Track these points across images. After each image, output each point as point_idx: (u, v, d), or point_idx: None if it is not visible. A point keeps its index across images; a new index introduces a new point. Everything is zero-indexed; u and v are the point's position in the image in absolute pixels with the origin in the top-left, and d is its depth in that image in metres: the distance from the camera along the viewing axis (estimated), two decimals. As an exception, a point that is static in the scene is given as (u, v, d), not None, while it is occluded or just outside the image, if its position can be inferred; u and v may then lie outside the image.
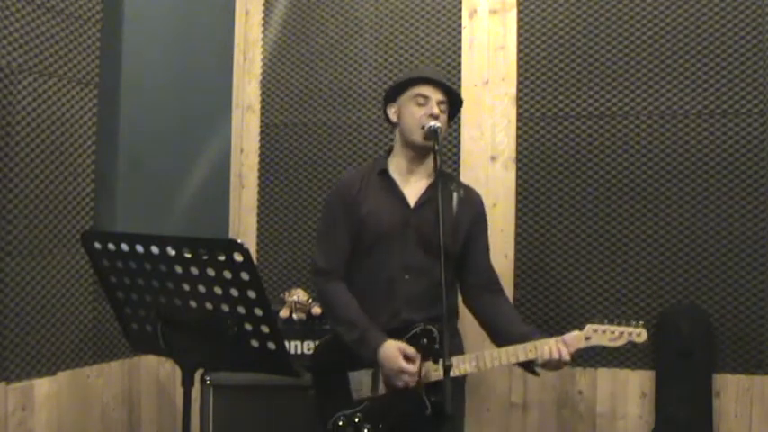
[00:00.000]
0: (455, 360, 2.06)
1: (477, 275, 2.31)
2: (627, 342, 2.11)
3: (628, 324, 2.12)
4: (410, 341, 2.11)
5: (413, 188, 2.25)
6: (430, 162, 2.26)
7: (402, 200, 2.24)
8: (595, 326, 2.12)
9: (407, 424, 2.08)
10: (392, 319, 2.17)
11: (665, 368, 2.89)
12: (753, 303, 2.86)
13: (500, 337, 2.21)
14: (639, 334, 2.10)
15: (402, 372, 2.05)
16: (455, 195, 2.23)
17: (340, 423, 2.13)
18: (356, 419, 2.12)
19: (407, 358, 2.06)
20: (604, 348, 2.94)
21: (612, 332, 2.11)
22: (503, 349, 2.11)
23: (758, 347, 2.85)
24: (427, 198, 2.22)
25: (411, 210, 2.22)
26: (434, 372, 2.07)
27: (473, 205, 2.32)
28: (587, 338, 2.12)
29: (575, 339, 2.11)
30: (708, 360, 2.85)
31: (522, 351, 2.09)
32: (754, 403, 2.84)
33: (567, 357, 2.07)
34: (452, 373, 1.95)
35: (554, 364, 2.09)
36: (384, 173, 2.28)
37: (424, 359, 2.08)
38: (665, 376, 2.88)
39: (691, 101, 2.97)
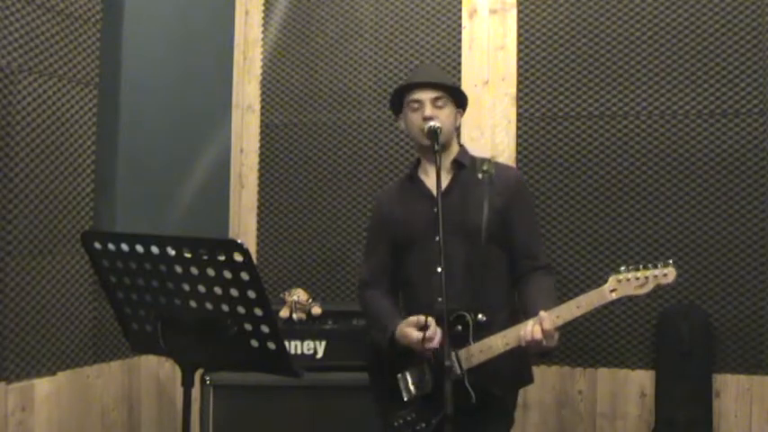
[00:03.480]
0: (468, 350, 2.06)
1: (518, 255, 2.27)
2: (655, 286, 1.96)
3: (655, 267, 1.96)
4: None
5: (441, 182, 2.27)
6: (450, 155, 2.29)
7: (428, 194, 2.28)
8: (619, 275, 1.97)
9: (457, 415, 2.08)
10: (430, 312, 2.15)
11: (665, 368, 2.89)
12: (753, 303, 2.86)
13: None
14: (666, 274, 1.95)
15: (419, 341, 2.02)
16: (482, 177, 2.20)
17: (396, 425, 2.17)
18: (410, 419, 2.15)
19: (421, 328, 2.03)
20: (605, 348, 2.99)
21: (638, 278, 1.96)
22: (497, 336, 2.07)
23: (758, 347, 2.85)
24: (451, 187, 2.26)
25: (437, 201, 2.24)
26: (473, 357, 2.06)
27: (506, 183, 2.26)
28: (612, 291, 1.97)
29: (569, 308, 1.99)
30: (708, 360, 2.85)
31: (502, 339, 2.05)
32: (754, 403, 2.85)
33: (537, 336, 1.96)
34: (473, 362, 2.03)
35: (535, 346, 2.01)
36: (412, 176, 2.35)
37: (460, 346, 2.06)
38: (665, 376, 2.88)
39: (691, 101, 2.97)
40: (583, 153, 3.08)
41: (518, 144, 3.16)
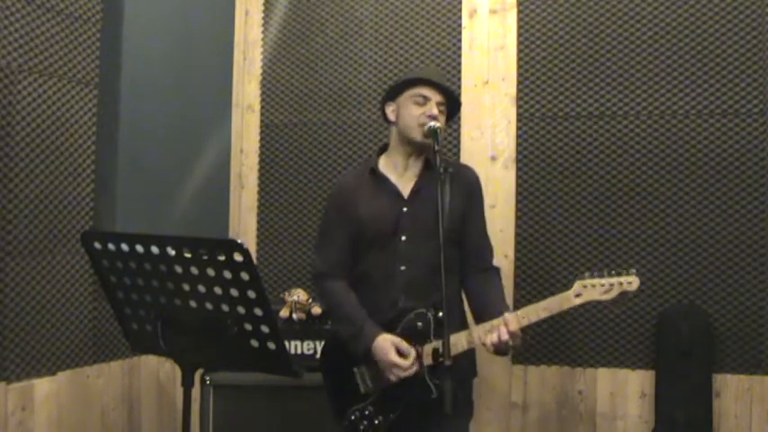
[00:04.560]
0: (430, 347, 2.08)
1: (469, 254, 2.30)
2: (619, 293, 2.00)
3: (619, 274, 2.00)
4: (405, 327, 2.13)
5: (407, 181, 2.28)
6: (422, 158, 2.29)
7: (396, 193, 2.27)
8: (585, 281, 2.02)
9: (416, 410, 2.10)
10: (391, 310, 2.19)
11: (665, 368, 2.89)
12: (753, 303, 2.86)
13: (476, 320, 2.22)
14: (630, 282, 1.99)
15: (394, 365, 2.07)
16: (446, 179, 2.19)
17: (353, 418, 2.17)
18: (367, 412, 2.16)
19: (401, 353, 2.08)
20: (605, 348, 2.99)
21: (603, 285, 2.00)
22: (461, 334, 2.10)
23: (758, 347, 2.85)
24: (419, 186, 2.25)
25: (405, 200, 2.25)
26: (433, 356, 2.08)
27: (465, 183, 2.30)
28: (578, 295, 2.02)
29: (536, 309, 2.04)
30: (708, 360, 2.85)
31: (467, 337, 2.08)
32: (754, 403, 2.85)
33: (505, 337, 2.00)
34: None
35: (502, 349, 2.04)
36: (374, 171, 2.31)
37: (421, 343, 2.09)
38: (665, 376, 2.88)
39: (691, 101, 2.97)
40: (583, 153, 3.08)
41: (518, 144, 3.16)
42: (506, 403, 3.09)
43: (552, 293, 3.02)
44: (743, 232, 2.89)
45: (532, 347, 3.04)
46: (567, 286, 3.00)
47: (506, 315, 2.04)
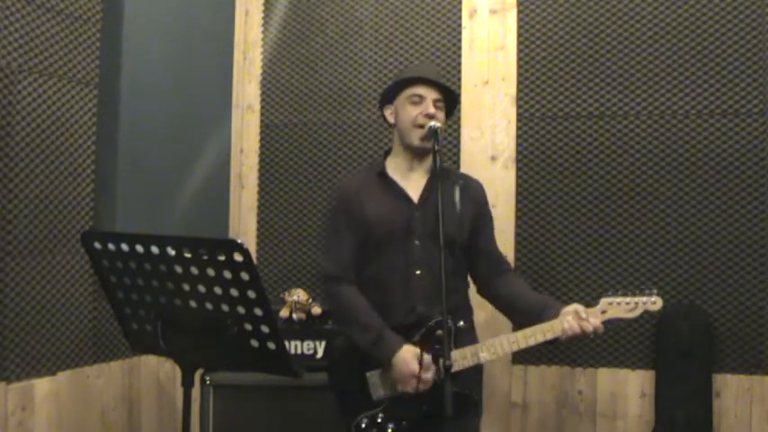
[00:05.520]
0: (468, 351, 2.08)
1: (487, 264, 2.31)
2: (643, 312, 2.10)
3: (642, 294, 2.11)
4: (425, 335, 2.11)
5: (414, 185, 2.27)
6: (429, 160, 2.28)
7: (405, 197, 2.25)
8: (610, 299, 2.11)
9: (428, 418, 2.08)
10: (408, 315, 2.17)
11: (665, 368, 2.89)
12: (753, 303, 2.86)
13: (518, 317, 2.22)
14: (654, 302, 2.10)
15: (415, 377, 2.04)
16: (456, 187, 2.22)
17: (363, 425, 2.13)
18: (378, 420, 2.13)
19: (422, 366, 2.06)
20: (605, 348, 2.99)
21: (627, 303, 2.10)
22: (519, 333, 2.10)
23: (758, 347, 2.85)
24: (429, 192, 2.24)
25: (415, 205, 2.23)
26: (465, 360, 2.09)
27: (474, 195, 2.32)
28: (603, 312, 2.10)
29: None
30: (708, 360, 2.85)
31: (540, 333, 2.09)
32: (754, 403, 2.85)
33: (589, 328, 2.05)
34: (466, 365, 2.03)
35: (578, 338, 2.09)
36: (382, 174, 2.29)
37: (438, 352, 2.05)
38: (665, 376, 2.88)
39: (691, 101, 2.97)
40: (583, 153, 3.08)
41: (518, 144, 3.16)
42: (506, 403, 3.09)
43: (552, 294, 3.05)
44: (743, 232, 2.89)
45: (532, 347, 3.04)
46: (567, 286, 3.05)
47: (579, 307, 2.08)
